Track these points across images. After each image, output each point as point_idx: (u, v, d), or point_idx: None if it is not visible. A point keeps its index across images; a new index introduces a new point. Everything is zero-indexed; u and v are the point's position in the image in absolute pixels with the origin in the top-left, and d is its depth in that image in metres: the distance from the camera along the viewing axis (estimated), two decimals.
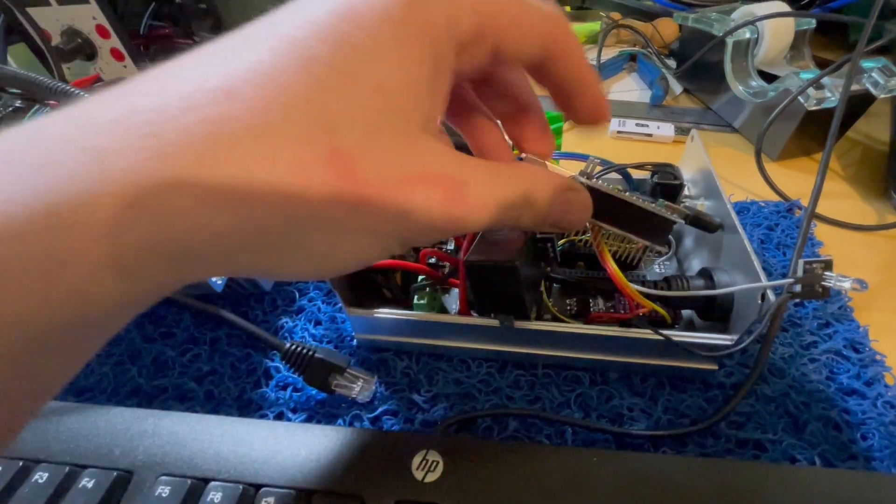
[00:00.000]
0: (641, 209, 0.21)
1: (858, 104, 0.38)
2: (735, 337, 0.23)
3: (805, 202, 0.36)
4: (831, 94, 0.37)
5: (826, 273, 0.21)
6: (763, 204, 0.37)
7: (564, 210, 0.17)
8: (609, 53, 0.56)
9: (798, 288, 0.22)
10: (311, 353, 0.25)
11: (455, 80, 0.15)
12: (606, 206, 0.21)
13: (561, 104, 0.18)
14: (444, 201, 0.13)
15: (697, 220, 0.25)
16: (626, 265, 0.30)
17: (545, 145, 0.20)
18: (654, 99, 0.50)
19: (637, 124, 0.46)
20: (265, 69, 0.12)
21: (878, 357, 0.27)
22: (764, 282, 0.22)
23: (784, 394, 0.25)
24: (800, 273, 0.22)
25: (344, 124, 0.12)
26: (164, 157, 0.10)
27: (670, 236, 0.30)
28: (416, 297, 0.27)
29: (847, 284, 0.21)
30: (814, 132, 0.40)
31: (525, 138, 0.20)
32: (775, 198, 0.38)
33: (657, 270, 0.30)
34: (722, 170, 0.42)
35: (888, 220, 0.36)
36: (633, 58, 0.56)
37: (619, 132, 0.45)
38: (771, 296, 0.22)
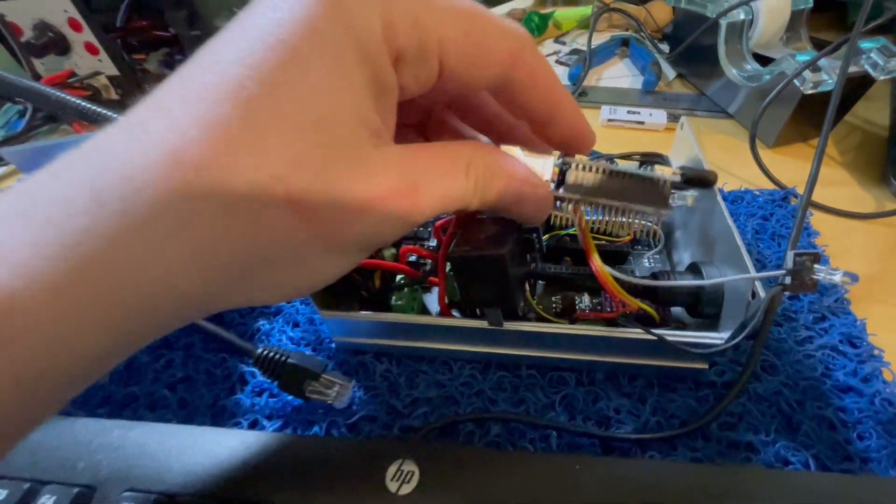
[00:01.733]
0: (635, 176, 0.20)
1: (857, 87, 0.37)
2: (726, 335, 0.22)
3: (801, 190, 0.35)
4: (828, 76, 0.36)
5: (815, 266, 0.20)
6: (758, 192, 0.36)
7: (515, 202, 0.17)
8: (600, 38, 0.55)
9: (788, 280, 0.20)
10: (284, 358, 0.24)
11: (403, 96, 0.15)
12: (597, 182, 0.20)
13: (534, 131, 0.18)
14: (400, 211, 0.14)
15: (693, 178, 0.24)
16: (615, 258, 0.30)
17: (570, 151, 0.19)
18: (646, 85, 0.48)
19: (628, 111, 0.44)
20: (203, 122, 0.11)
21: (875, 352, 0.25)
22: (752, 273, 0.21)
23: (777, 392, 0.24)
24: (790, 265, 0.20)
25: (291, 170, 0.12)
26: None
27: (659, 229, 0.28)
28: (393, 297, 0.26)
29: (837, 277, 0.20)
30: (811, 117, 0.39)
31: (553, 144, 0.19)
32: (771, 186, 0.37)
33: (646, 265, 0.29)
34: (716, 157, 0.40)
35: (887, 208, 0.34)
36: (625, 42, 0.55)
37: (609, 120, 0.44)
38: (760, 291, 0.20)
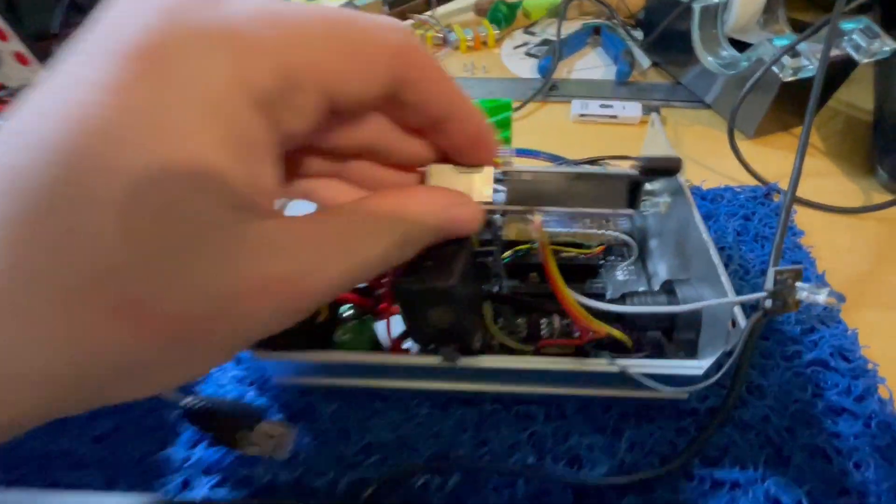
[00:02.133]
0: (587, 175, 0.19)
1: (839, 71, 0.35)
2: (704, 363, 0.19)
3: (784, 184, 0.33)
4: (808, 61, 0.33)
5: (797, 284, 0.18)
6: (739, 189, 0.34)
7: (451, 229, 0.16)
8: (571, 27, 0.52)
9: (770, 304, 0.18)
10: (212, 409, 0.21)
11: (290, 139, 0.12)
12: (545, 189, 0.18)
13: (433, 140, 0.16)
14: (276, 304, 0.11)
15: (653, 169, 0.22)
16: (586, 272, 0.27)
17: (478, 156, 0.17)
18: (619, 75, 0.46)
19: (601, 105, 0.42)
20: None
21: (869, 366, 0.23)
22: (731, 297, 0.19)
23: (764, 418, 0.22)
24: (771, 286, 0.18)
25: (114, 273, 0.09)
26: None
27: (632, 240, 0.26)
28: (339, 331, 0.23)
29: (822, 298, 0.18)
30: (792, 105, 0.36)
31: (452, 154, 0.17)
32: (752, 181, 0.35)
33: (619, 278, 0.27)
34: (693, 150, 0.38)
35: (875, 200, 0.32)
36: (596, 30, 0.52)
37: (581, 115, 0.41)
38: (741, 319, 0.18)
